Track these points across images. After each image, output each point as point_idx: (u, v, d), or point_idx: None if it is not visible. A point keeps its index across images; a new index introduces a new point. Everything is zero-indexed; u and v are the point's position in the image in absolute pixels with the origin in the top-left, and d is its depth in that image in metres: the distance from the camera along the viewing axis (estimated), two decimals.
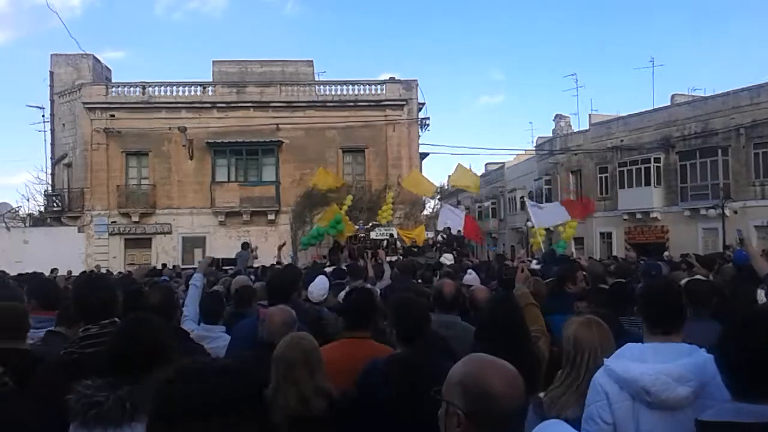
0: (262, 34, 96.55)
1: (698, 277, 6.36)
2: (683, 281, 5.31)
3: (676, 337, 2.86)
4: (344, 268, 9.51)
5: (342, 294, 5.62)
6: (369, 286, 6.68)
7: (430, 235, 23.78)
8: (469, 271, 8.09)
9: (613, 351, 2.86)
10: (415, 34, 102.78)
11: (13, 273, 13.84)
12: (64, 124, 31.77)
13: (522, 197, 24.10)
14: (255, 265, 14.33)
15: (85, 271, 18.24)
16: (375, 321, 3.93)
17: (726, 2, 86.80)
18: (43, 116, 32.76)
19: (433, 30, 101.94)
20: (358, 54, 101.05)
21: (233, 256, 18.16)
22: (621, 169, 32.28)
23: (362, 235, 22.75)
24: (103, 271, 19.82)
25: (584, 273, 6.70)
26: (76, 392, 2.47)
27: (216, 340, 4.96)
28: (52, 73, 32.50)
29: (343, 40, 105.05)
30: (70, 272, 17.05)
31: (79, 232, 29.57)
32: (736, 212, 26.76)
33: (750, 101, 27.43)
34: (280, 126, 29.83)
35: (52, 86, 32.35)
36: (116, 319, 3.11)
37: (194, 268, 10.83)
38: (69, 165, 31.23)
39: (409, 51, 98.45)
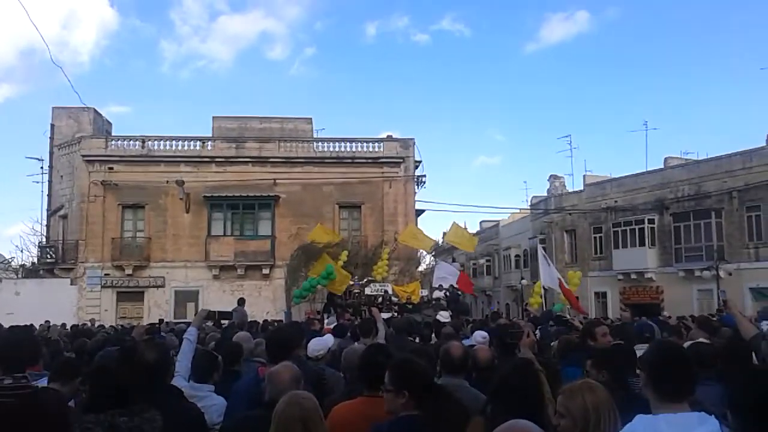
0: (264, 92, 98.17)
1: (701, 340, 6.34)
2: (687, 344, 5.30)
3: (686, 405, 2.82)
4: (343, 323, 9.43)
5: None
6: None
7: (425, 292, 23.63)
8: (482, 333, 7.90)
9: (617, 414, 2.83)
10: (415, 94, 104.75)
11: (4, 324, 13.63)
12: (62, 176, 31.91)
13: (538, 247, 23.97)
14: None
15: (76, 325, 18.09)
16: None
17: (718, 68, 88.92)
18: (42, 168, 33.04)
19: (433, 90, 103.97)
20: (358, 112, 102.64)
21: (228, 310, 18.01)
22: (615, 229, 32.44)
23: (357, 291, 22.62)
24: (97, 324, 19.68)
25: (608, 328, 6.67)
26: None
27: (204, 399, 4.87)
28: (53, 126, 32.86)
29: (344, 98, 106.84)
30: (64, 324, 16.87)
31: (71, 284, 29.33)
32: (730, 274, 26.79)
33: (742, 165, 27.83)
34: (277, 181, 30.03)
35: (52, 138, 32.66)
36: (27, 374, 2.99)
37: (187, 323, 10.73)
38: (65, 217, 31.23)
39: (409, 110, 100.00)
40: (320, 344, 6.39)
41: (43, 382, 4.46)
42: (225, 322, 13.50)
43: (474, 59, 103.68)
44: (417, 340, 9.51)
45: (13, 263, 33.33)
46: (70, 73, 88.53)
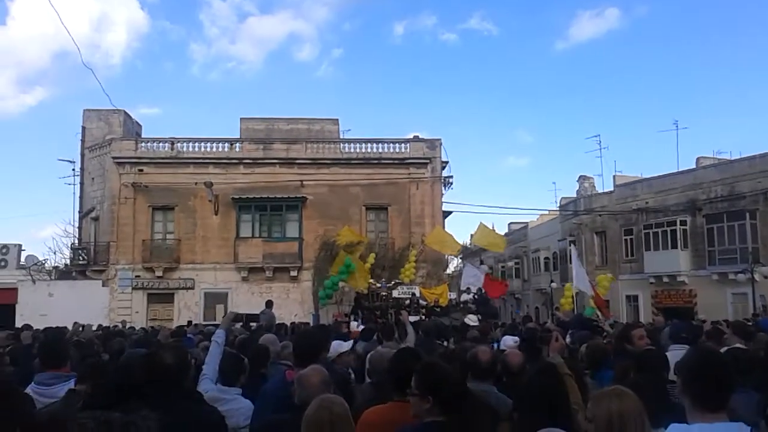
0: (291, 93, 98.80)
1: (738, 345, 6.17)
2: (723, 350, 5.15)
3: (723, 414, 2.72)
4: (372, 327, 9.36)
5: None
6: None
7: (453, 295, 23.49)
8: (513, 338, 7.78)
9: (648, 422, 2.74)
10: (443, 94, 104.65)
11: (37, 326, 13.85)
12: (93, 178, 32.39)
13: (570, 247, 23.61)
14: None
15: (107, 326, 18.30)
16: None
17: (751, 65, 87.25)
18: (74, 170, 33.55)
19: (461, 90, 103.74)
20: (385, 113, 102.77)
21: (256, 312, 18.10)
22: (646, 231, 31.92)
23: (384, 294, 22.56)
24: (128, 326, 19.89)
25: (646, 331, 6.57)
26: None
27: (230, 402, 4.87)
28: (83, 128, 33.37)
29: (371, 98, 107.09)
30: (100, 326, 17.06)
31: (103, 285, 29.74)
32: (766, 277, 26.20)
33: None
34: (304, 182, 30.14)
35: (83, 141, 33.17)
36: None
37: (216, 325, 10.76)
38: (96, 219, 31.68)
39: (437, 111, 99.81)
40: (333, 348, 6.32)
41: (70, 384, 4.50)
42: (253, 324, 13.60)
43: (502, 59, 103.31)
44: (446, 343, 9.44)
45: (46, 265, 33.85)
46: (102, 76, 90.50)
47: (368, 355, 5.63)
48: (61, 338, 8.54)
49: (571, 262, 21.70)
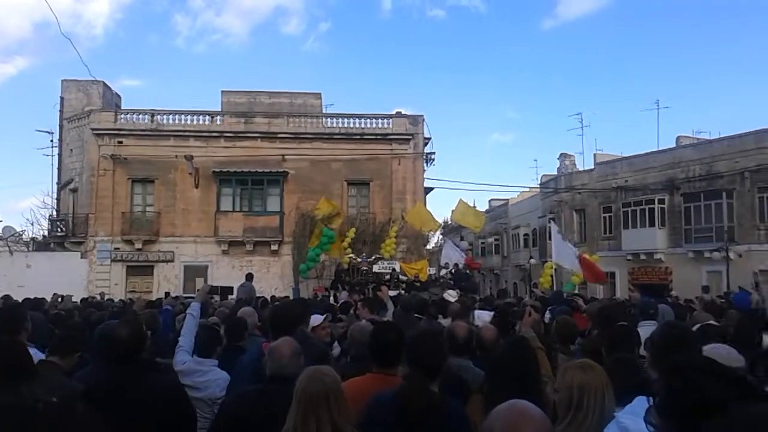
0: (276, 67, 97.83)
1: (711, 322, 6.30)
2: (695, 327, 5.26)
3: None
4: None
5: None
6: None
7: (433, 270, 23.66)
8: (486, 313, 7.87)
9: (612, 395, 2.84)
10: (429, 70, 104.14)
11: (16, 297, 13.76)
12: (71, 150, 31.96)
13: (550, 224, 23.82)
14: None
15: (86, 298, 18.21)
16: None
17: (732, 46, 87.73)
18: (52, 141, 33.07)
19: (448, 67, 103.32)
20: (370, 89, 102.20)
21: (231, 285, 18.17)
22: (625, 209, 32.28)
23: (365, 268, 22.67)
24: (107, 298, 19.81)
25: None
26: None
27: (207, 373, 4.93)
28: (62, 99, 32.81)
29: (356, 74, 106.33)
30: (83, 299, 16.96)
31: (81, 257, 29.53)
32: (740, 256, 26.66)
33: (755, 145, 27.53)
34: (286, 157, 29.98)
35: (61, 112, 32.65)
36: None
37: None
38: (75, 190, 31.35)
39: (423, 87, 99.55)
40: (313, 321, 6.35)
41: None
42: (232, 297, 13.62)
43: (490, 35, 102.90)
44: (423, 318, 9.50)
45: (24, 236, 33.51)
46: (84, 47, 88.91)
47: (349, 329, 5.66)
48: (19, 306, 8.44)
49: (550, 239, 21.91)
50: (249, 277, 18.67)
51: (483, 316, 7.38)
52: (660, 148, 33.10)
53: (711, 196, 28.82)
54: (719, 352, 3.30)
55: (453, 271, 22.81)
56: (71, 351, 4.33)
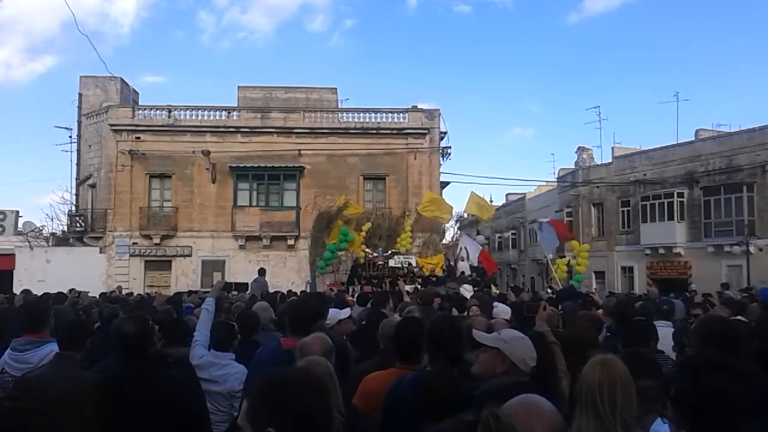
0: (300, 63, 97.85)
1: (740, 318, 6.21)
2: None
3: None
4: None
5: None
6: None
7: (451, 263, 23.65)
8: (505, 308, 7.81)
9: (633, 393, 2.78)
10: (454, 65, 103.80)
11: (36, 292, 13.89)
12: (90, 146, 32.24)
13: (535, 225, 24.25)
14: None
15: (105, 293, 18.37)
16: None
17: (752, 38, 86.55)
18: (71, 137, 33.32)
19: (473, 62, 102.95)
20: (394, 85, 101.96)
21: (246, 281, 18.26)
22: (644, 203, 31.98)
23: (381, 263, 22.68)
24: (125, 292, 19.98)
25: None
26: None
27: (225, 367, 4.96)
28: (80, 95, 33.09)
29: (381, 70, 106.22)
30: (103, 294, 17.08)
31: (100, 252, 29.80)
32: (761, 250, 26.34)
33: None
34: (302, 152, 30.05)
35: (80, 108, 32.93)
36: None
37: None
38: (93, 186, 31.63)
39: (448, 82, 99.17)
40: (332, 316, 6.35)
41: (44, 350, 4.49)
42: (236, 293, 13.67)
43: (516, 30, 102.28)
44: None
45: (43, 231, 33.86)
46: (110, 45, 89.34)
47: (381, 323, 5.58)
48: (45, 302, 8.46)
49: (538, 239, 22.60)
50: (261, 271, 18.70)
51: (502, 310, 7.34)
52: (679, 141, 32.73)
53: (731, 190, 28.48)
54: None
55: (476, 270, 22.64)
56: (82, 343, 4.29)
